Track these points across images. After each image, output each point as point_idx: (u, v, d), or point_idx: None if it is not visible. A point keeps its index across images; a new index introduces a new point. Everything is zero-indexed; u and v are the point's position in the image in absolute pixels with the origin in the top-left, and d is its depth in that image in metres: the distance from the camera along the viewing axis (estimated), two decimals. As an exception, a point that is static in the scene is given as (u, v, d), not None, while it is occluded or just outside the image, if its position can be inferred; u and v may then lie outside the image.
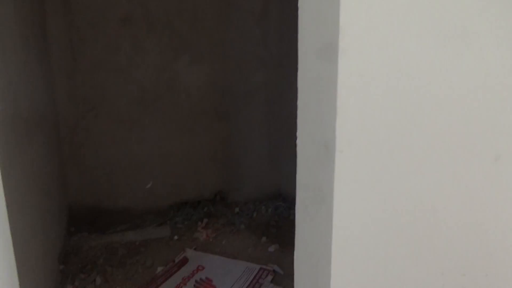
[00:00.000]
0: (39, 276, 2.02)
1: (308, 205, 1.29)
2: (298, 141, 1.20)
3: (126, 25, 2.96)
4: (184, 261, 2.57)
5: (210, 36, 3.16)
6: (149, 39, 3.03)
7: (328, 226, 1.10)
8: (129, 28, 2.97)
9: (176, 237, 2.85)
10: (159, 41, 3.06)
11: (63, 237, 2.68)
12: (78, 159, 3.07)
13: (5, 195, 1.45)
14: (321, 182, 1.16)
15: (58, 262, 2.44)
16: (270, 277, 2.41)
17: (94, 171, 3.11)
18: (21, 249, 1.66)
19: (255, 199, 3.42)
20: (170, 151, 3.23)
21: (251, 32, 3.23)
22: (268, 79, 3.34)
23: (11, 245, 1.09)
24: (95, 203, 3.14)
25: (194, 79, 3.19)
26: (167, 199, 3.27)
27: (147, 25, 3.00)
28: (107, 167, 3.14)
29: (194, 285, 2.33)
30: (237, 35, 3.21)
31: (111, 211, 3.17)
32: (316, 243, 1.24)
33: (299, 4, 1.00)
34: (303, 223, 1.28)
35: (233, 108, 3.32)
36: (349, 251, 1.02)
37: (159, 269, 2.49)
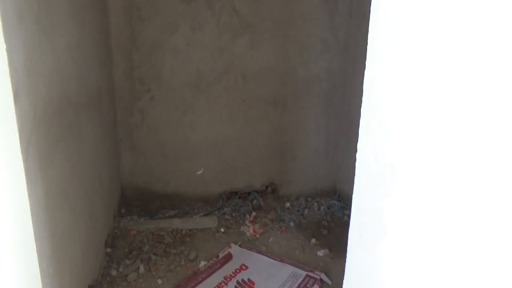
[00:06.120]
0: (87, 259, 2.01)
1: (364, 233, 1.08)
2: (358, 155, 0.96)
3: (185, 2, 2.82)
4: (228, 257, 2.46)
5: (272, 16, 2.92)
6: (208, 19, 2.87)
7: (388, 268, 0.88)
8: (188, 6, 2.82)
9: (222, 230, 2.75)
10: (218, 21, 2.88)
11: (112, 219, 2.70)
12: (132, 141, 3.06)
13: (46, 182, 1.40)
14: (382, 210, 0.95)
15: (106, 246, 2.45)
16: (316, 287, 2.22)
17: (147, 153, 3.09)
18: (66, 231, 1.63)
19: (307, 195, 3.21)
20: (223, 138, 3.10)
21: (316, 12, 2.93)
22: (331, 65, 3.04)
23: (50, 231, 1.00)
24: (147, 186, 3.14)
25: (252, 62, 2.99)
26: (217, 187, 3.18)
27: (207, 3, 2.84)
28: (160, 151, 3.10)
29: (235, 286, 2.21)
30: (301, 15, 2.93)
31: (161, 195, 3.15)
32: (368, 284, 1.04)
33: None
34: (356, 254, 1.09)
35: (292, 95, 3.09)
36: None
37: (202, 263, 2.41)
